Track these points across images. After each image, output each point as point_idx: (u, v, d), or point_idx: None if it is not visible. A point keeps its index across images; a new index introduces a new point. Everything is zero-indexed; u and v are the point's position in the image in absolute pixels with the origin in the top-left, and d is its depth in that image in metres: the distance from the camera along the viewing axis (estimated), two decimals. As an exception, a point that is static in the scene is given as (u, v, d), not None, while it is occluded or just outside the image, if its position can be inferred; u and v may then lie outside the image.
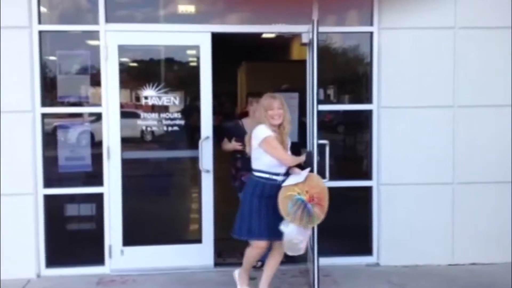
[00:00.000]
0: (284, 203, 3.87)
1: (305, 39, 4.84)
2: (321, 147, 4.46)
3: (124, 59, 4.96)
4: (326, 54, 5.10)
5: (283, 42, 8.96)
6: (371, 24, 5.06)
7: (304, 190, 3.88)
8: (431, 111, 5.08)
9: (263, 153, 4.00)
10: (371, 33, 5.06)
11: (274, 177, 4.02)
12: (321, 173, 4.29)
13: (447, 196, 5.15)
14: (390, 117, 5.07)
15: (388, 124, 5.08)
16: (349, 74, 5.42)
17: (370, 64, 5.10)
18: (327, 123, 5.30)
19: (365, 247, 5.21)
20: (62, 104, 4.94)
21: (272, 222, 3.96)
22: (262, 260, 4.48)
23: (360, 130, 5.36)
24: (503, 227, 5.14)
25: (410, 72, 5.04)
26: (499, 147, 5.12)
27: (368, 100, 5.13)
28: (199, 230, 5.08)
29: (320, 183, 4.02)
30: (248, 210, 4.07)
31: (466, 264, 5.15)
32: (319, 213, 3.91)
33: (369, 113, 5.12)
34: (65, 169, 4.97)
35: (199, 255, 5.05)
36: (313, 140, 4.36)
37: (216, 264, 5.10)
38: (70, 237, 5.06)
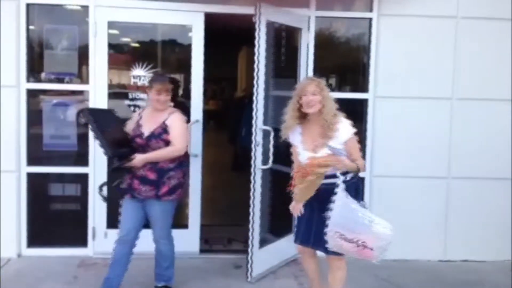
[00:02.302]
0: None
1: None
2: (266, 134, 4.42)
3: (114, 37, 4.80)
4: (322, 40, 4.95)
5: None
6: (371, 10, 4.90)
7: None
8: (429, 103, 4.94)
9: None
10: (370, 19, 4.90)
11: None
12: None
13: (442, 190, 5.03)
14: (386, 108, 4.93)
15: (384, 115, 4.94)
16: (346, 61, 5.26)
17: (367, 51, 4.95)
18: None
19: (355, 239, 5.09)
20: (48, 80, 4.80)
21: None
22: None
23: (356, 120, 5.21)
24: (498, 225, 5.04)
25: (408, 62, 4.90)
26: (497, 143, 4.99)
27: (364, 89, 4.98)
28: (186, 216, 4.97)
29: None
30: None
31: (457, 261, 5.06)
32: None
33: (364, 102, 4.98)
34: (50, 147, 4.85)
35: (184, 241, 4.90)
36: (257, 125, 4.32)
37: (202, 250, 5.00)
38: (53, 217, 4.96)
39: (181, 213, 5.09)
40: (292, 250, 4.40)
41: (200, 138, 4.85)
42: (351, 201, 3.17)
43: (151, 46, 4.96)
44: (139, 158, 3.74)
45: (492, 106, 4.96)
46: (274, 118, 4.92)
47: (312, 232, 3.42)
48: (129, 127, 3.96)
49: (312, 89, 3.35)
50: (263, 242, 4.60)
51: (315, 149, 3.33)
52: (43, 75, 4.79)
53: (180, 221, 5.05)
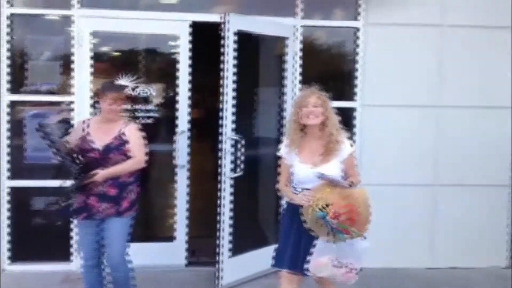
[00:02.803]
0: (306, 212, 3.07)
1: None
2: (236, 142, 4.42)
3: (98, 47, 4.72)
4: (309, 48, 4.94)
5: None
6: (357, 19, 4.92)
7: (329, 201, 2.96)
8: (415, 111, 4.96)
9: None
10: (357, 28, 4.92)
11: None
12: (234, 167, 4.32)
13: (428, 198, 5.05)
14: (374, 116, 4.94)
15: (371, 123, 4.95)
16: (333, 70, 5.25)
17: (354, 60, 4.96)
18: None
19: (343, 249, 5.06)
20: (31, 92, 4.69)
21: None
22: None
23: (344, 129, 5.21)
24: (483, 231, 5.06)
25: (395, 70, 4.92)
26: (482, 150, 5.02)
27: (352, 97, 4.99)
28: (172, 228, 4.90)
29: (353, 193, 3.05)
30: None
31: (445, 268, 5.06)
32: (351, 230, 3.00)
33: (352, 111, 4.98)
34: (32, 160, 4.73)
35: (171, 253, 4.87)
36: (225, 135, 4.33)
37: (189, 263, 4.93)
38: (36, 232, 4.81)
39: (166, 224, 5.02)
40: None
41: (186, 148, 4.80)
42: None
43: (136, 56, 4.87)
44: (101, 174, 3.43)
45: (477, 113, 5.00)
46: (259, 127, 4.93)
47: (301, 256, 3.16)
48: (72, 140, 3.55)
49: (313, 101, 3.20)
50: (238, 251, 4.56)
51: (314, 164, 3.18)
52: (25, 86, 4.68)
53: (166, 233, 4.98)
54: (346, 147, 3.23)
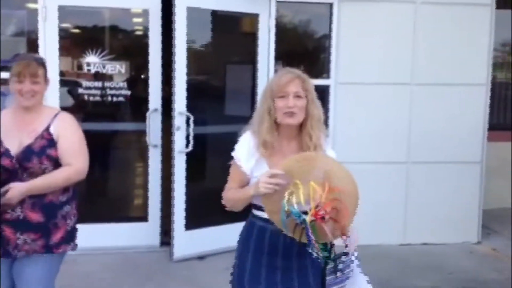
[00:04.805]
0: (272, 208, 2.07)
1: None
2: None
3: (65, 22, 4.55)
4: (282, 25, 4.88)
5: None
6: (331, -5, 4.86)
7: (316, 196, 1.96)
8: (388, 88, 4.96)
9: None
10: (331, 4, 4.85)
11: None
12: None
13: (402, 175, 5.07)
14: (347, 94, 4.91)
15: (345, 101, 4.92)
16: (306, 47, 5.21)
17: (329, 37, 4.91)
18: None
19: (317, 227, 5.07)
20: (-4, 68, 4.51)
21: None
22: None
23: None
24: (455, 208, 5.12)
25: (368, 47, 4.88)
26: (455, 127, 5.06)
27: (326, 75, 4.94)
28: (145, 208, 4.82)
29: (344, 183, 2.11)
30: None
31: (417, 244, 5.12)
32: (326, 232, 1.99)
33: (326, 89, 4.94)
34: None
35: (144, 234, 4.80)
36: (175, 110, 4.35)
37: (163, 243, 4.86)
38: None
39: (139, 205, 4.93)
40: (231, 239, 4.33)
41: (160, 127, 4.71)
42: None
43: (105, 31, 4.72)
44: (18, 190, 2.34)
45: (450, 90, 5.02)
46: (228, 105, 4.87)
47: None
48: None
49: (295, 89, 2.16)
50: (192, 226, 4.57)
51: None
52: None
53: (139, 214, 4.91)
54: (331, 155, 2.28)
